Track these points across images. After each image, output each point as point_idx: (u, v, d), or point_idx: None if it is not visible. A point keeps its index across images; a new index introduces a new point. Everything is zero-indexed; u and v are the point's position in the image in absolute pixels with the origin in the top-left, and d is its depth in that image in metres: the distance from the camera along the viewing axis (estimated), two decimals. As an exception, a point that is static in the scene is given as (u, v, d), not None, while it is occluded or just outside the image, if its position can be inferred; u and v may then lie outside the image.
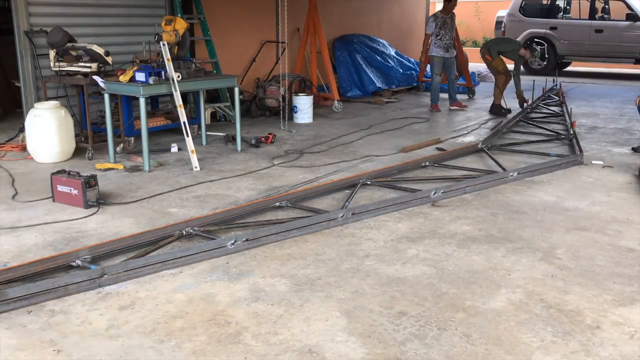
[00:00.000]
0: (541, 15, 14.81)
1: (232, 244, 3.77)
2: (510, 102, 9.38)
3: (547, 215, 4.55)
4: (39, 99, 6.71)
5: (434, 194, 4.83)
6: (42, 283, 3.20)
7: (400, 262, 3.67)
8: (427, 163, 5.94)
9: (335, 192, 5.07)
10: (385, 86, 11.23)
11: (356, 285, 3.36)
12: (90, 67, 6.15)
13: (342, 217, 4.31)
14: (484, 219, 4.44)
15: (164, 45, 5.81)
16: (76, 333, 2.87)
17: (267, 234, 3.98)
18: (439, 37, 9.29)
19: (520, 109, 8.91)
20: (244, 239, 3.82)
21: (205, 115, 7.18)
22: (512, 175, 5.41)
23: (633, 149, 6.70)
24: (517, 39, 14.90)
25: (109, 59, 6.20)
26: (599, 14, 14.35)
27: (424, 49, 9.64)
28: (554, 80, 11.44)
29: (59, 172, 4.85)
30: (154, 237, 3.94)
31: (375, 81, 11.11)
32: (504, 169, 5.61)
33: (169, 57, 5.80)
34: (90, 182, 4.65)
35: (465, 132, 7.86)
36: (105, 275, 3.34)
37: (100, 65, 6.19)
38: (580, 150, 6.32)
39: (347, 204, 4.67)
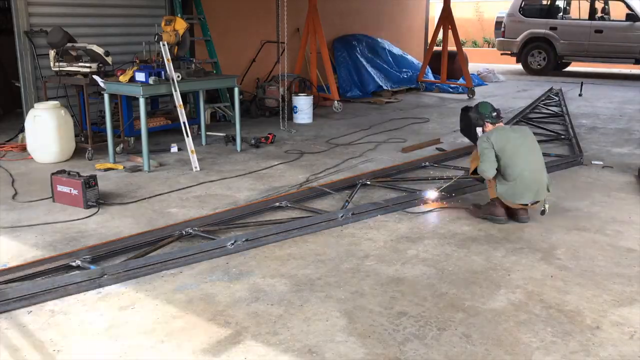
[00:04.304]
0: (541, 16, 14.82)
1: (232, 244, 3.77)
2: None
3: (546, 215, 4.54)
4: (39, 99, 6.71)
5: (434, 191, 4.83)
6: (42, 283, 3.20)
7: (400, 262, 3.68)
8: (427, 163, 5.95)
9: (335, 192, 5.07)
10: (385, 86, 11.23)
11: (356, 286, 3.36)
12: (90, 67, 6.15)
13: (342, 217, 4.31)
14: (484, 219, 4.44)
15: (163, 45, 5.81)
16: (76, 333, 2.87)
17: (267, 234, 3.98)
18: None
19: None
20: (243, 239, 3.82)
21: (205, 116, 7.18)
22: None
23: None
24: (517, 39, 14.97)
25: (109, 59, 6.20)
26: (599, 14, 14.35)
27: None
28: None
29: (59, 172, 4.85)
30: (154, 238, 3.94)
31: (375, 81, 11.11)
32: None
33: (169, 57, 5.81)
34: (90, 182, 4.65)
35: (465, 132, 7.86)
36: (105, 276, 3.34)
37: (100, 65, 6.19)
38: (580, 151, 6.32)
39: (347, 204, 4.67)
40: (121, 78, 5.85)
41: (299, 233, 4.08)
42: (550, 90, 10.88)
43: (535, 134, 7.44)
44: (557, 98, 10.14)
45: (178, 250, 3.72)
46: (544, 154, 6.33)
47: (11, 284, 3.28)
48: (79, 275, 3.31)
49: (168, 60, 5.79)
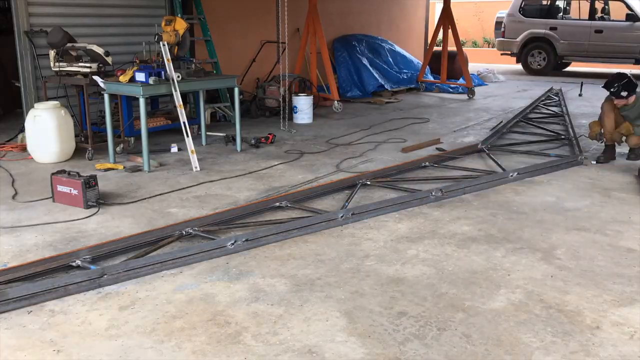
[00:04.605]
0: (541, 16, 14.82)
1: (232, 244, 3.77)
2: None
3: (546, 215, 4.55)
4: (39, 99, 6.71)
5: (434, 193, 4.84)
6: (42, 283, 3.20)
7: (400, 263, 3.68)
8: (427, 163, 5.95)
9: (335, 192, 5.07)
10: (385, 86, 11.23)
11: (356, 286, 3.36)
12: (90, 67, 6.15)
13: (342, 217, 4.31)
14: (484, 219, 4.44)
15: (164, 45, 5.81)
16: (76, 333, 2.87)
17: (267, 234, 3.98)
18: None
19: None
20: (243, 239, 3.82)
21: (205, 116, 7.18)
22: (511, 176, 5.41)
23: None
24: (517, 39, 14.95)
25: (109, 59, 6.20)
26: (599, 15, 14.35)
27: None
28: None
29: (59, 172, 4.86)
30: (154, 237, 3.94)
31: (375, 81, 11.12)
32: (503, 169, 5.61)
33: (169, 57, 5.81)
34: (90, 182, 4.65)
35: (465, 132, 7.86)
36: (105, 276, 3.34)
37: (100, 65, 6.19)
38: (580, 151, 6.32)
39: (347, 204, 4.67)
40: (121, 78, 5.85)
41: (299, 233, 4.08)
42: (550, 90, 10.88)
43: (534, 134, 7.52)
44: (557, 98, 10.14)
45: (178, 250, 3.72)
46: (544, 154, 6.38)
47: (11, 284, 3.28)
48: (79, 275, 3.31)
49: (168, 60, 5.79)
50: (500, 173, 5.50)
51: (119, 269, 3.41)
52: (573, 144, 6.71)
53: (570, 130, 7.42)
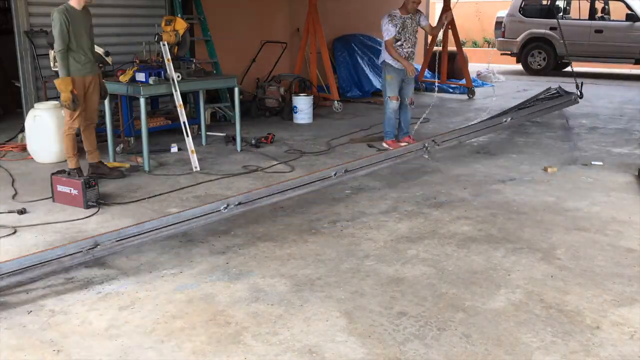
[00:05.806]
0: (541, 16, 14.81)
1: (225, 207, 3.75)
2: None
3: (547, 215, 4.55)
4: (39, 99, 6.71)
5: (427, 145, 4.89)
6: (34, 256, 3.19)
7: (400, 263, 3.68)
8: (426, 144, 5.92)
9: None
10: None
11: (356, 286, 3.36)
12: (90, 67, 6.15)
13: (335, 175, 4.26)
14: (484, 219, 4.44)
15: (164, 45, 5.81)
16: (76, 333, 2.87)
17: (260, 195, 3.98)
18: (398, 44, 6.48)
19: None
20: (237, 203, 3.79)
21: (205, 116, 7.18)
22: (505, 121, 5.41)
23: None
24: (517, 39, 14.91)
25: (109, 59, 6.20)
26: (599, 15, 14.34)
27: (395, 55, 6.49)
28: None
29: (59, 172, 4.86)
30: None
31: (375, 81, 11.11)
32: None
33: (169, 57, 5.81)
34: (90, 183, 4.65)
35: (465, 132, 7.86)
36: (99, 246, 3.32)
37: (100, 65, 6.19)
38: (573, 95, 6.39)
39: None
40: (121, 78, 5.85)
41: (293, 193, 4.03)
42: (548, 90, 10.83)
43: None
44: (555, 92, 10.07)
45: (171, 216, 3.74)
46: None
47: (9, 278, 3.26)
48: (72, 247, 3.30)
49: (168, 60, 5.79)
50: (495, 119, 5.53)
51: (111, 238, 3.39)
52: (565, 92, 6.73)
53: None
